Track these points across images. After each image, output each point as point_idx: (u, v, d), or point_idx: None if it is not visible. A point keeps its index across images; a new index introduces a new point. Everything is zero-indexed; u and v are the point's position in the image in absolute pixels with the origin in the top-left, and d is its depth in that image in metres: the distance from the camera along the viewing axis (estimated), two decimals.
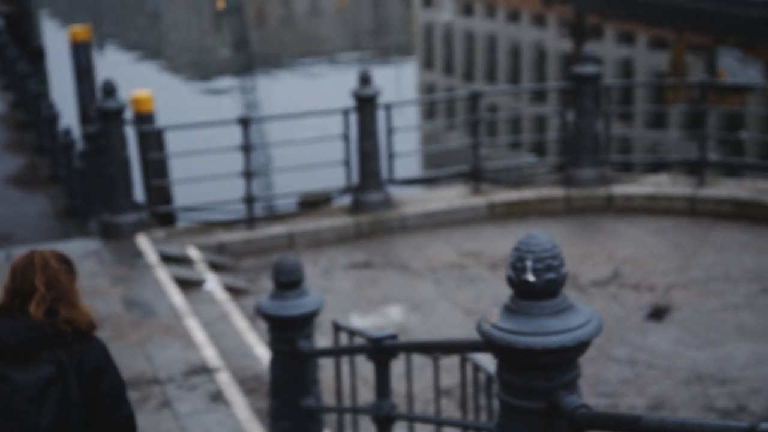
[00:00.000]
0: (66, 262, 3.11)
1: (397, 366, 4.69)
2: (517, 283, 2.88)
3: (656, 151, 17.61)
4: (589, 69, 9.87)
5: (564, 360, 2.86)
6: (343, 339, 4.99)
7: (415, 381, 4.77)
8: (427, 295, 8.46)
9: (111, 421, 3.07)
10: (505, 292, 2.98)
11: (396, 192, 10.24)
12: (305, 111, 11.02)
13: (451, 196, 10.31)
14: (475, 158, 10.20)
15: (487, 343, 2.90)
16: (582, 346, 2.83)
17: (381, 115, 9.67)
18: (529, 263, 2.84)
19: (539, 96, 23.40)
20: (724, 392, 6.72)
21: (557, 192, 10.33)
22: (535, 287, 2.84)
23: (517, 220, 10.09)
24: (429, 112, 22.95)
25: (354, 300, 8.46)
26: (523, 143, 17.77)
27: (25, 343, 2.94)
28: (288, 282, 4.76)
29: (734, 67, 27.03)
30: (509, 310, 2.90)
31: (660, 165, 11.50)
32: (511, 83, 27.26)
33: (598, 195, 10.24)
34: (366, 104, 9.39)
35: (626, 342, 7.53)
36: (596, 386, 6.90)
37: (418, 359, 4.67)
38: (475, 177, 10.27)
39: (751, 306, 7.93)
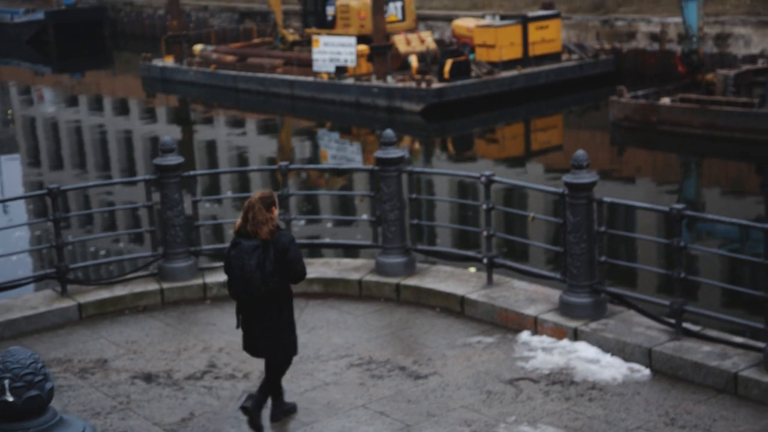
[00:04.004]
0: (264, 201, 7.06)
1: None
2: None
3: None
4: (170, 160, 9.80)
5: None
6: None
7: None
8: None
9: (292, 272, 7.12)
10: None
11: None
12: None
13: (36, 302, 9.68)
14: (60, 259, 9.68)
15: None
16: None
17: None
18: (6, 383, 2.60)
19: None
20: None
21: (151, 286, 10.08)
22: (16, 407, 2.59)
23: (110, 320, 9.70)
24: (40, 210, 21.79)
25: None
26: (121, 238, 17.34)
27: (245, 233, 7.08)
28: None
29: (335, 149, 28.57)
30: None
31: None
32: (127, 175, 26.66)
33: (193, 286, 10.13)
34: None
35: None
36: None
37: None
38: (61, 279, 9.74)
39: (339, 382, 8.15)
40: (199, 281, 10.18)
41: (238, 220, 7.10)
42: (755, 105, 23.81)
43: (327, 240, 13.37)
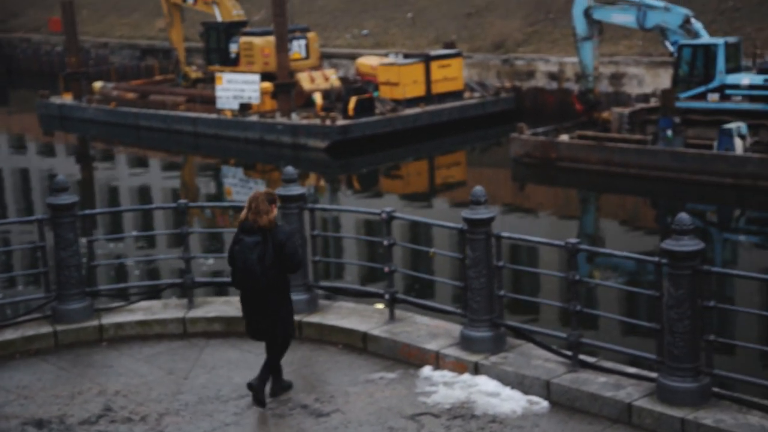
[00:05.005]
0: (268, 197, 8.03)
1: None
2: None
3: (151, 276, 17.65)
4: (63, 199, 9.56)
5: None
6: None
7: None
8: None
9: (289, 263, 8.01)
10: None
11: None
12: None
13: None
14: None
15: None
16: None
17: None
18: None
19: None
20: None
21: (44, 328, 9.79)
22: None
23: None
24: None
25: None
26: (14, 279, 16.81)
27: (248, 228, 7.97)
28: None
29: (240, 186, 28.35)
30: None
31: (155, 289, 11.41)
32: (24, 215, 25.90)
33: (88, 327, 9.87)
34: None
35: None
36: None
37: None
38: None
39: (240, 423, 8.02)
40: (94, 322, 9.92)
41: (243, 212, 8.00)
42: (648, 142, 24.56)
43: (228, 279, 13.18)
